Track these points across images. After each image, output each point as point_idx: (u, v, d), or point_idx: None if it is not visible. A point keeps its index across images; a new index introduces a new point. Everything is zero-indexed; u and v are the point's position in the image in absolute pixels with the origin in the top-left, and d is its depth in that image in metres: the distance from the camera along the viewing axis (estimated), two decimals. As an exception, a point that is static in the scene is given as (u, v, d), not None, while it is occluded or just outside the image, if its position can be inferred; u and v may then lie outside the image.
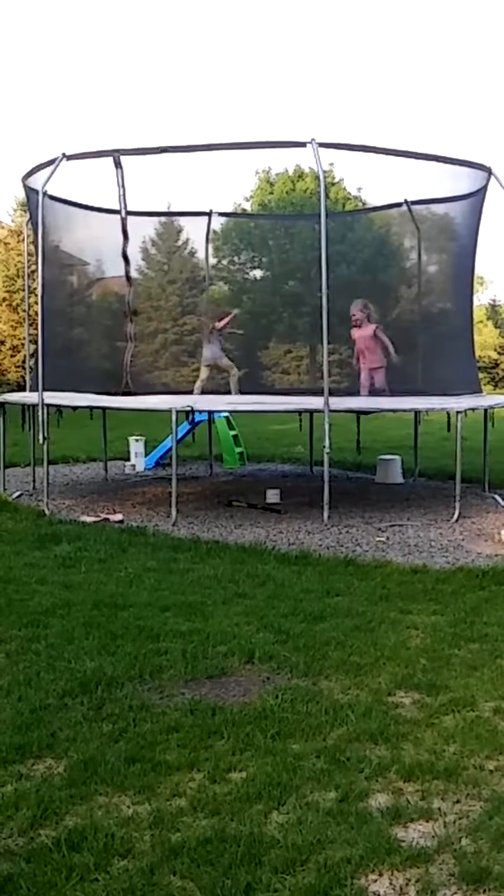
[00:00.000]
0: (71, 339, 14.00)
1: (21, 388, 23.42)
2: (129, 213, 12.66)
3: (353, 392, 12.85)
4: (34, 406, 10.65)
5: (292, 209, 34.09)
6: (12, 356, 32.18)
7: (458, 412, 9.85)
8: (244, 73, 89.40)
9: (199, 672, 4.95)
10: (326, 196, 9.72)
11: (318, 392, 10.45)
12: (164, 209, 17.42)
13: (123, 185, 12.39)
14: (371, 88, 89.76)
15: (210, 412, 13.59)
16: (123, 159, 11.43)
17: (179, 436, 12.01)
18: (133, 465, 14.31)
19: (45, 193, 10.35)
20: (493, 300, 57.62)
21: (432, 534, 9.04)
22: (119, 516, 9.74)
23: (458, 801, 3.58)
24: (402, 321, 15.08)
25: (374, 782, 3.72)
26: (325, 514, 9.49)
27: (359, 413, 12.03)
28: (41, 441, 10.14)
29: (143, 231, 16.09)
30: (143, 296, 15.89)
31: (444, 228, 14.08)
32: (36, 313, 10.96)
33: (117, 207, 12.80)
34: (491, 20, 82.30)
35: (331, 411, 9.64)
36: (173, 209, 17.42)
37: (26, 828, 3.37)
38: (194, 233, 16.01)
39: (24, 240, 17.20)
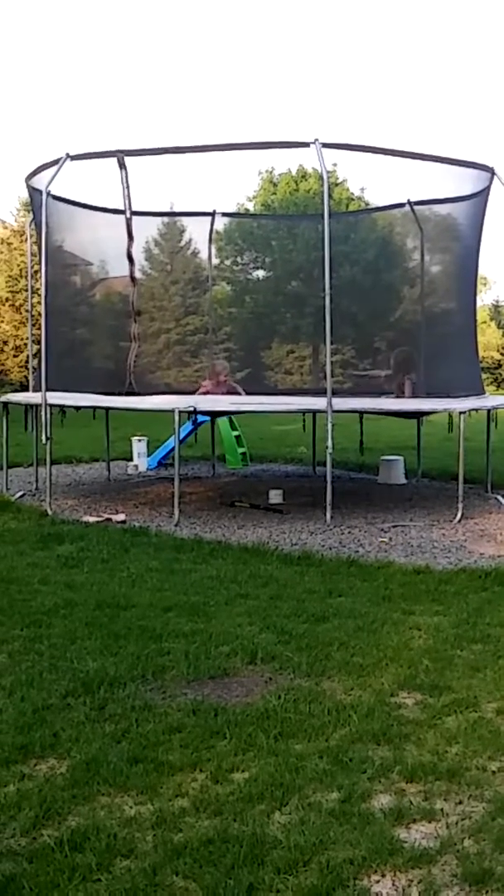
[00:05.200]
0: (74, 340, 14.00)
1: (24, 389, 23.38)
2: (133, 213, 12.65)
3: (356, 392, 12.85)
4: (37, 406, 10.65)
5: (295, 209, 34.08)
6: (15, 356, 32.20)
7: (460, 413, 9.84)
8: (248, 73, 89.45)
9: (201, 672, 4.95)
10: (330, 196, 9.71)
11: (320, 392, 10.44)
12: (168, 209, 17.43)
13: (128, 186, 12.38)
14: (374, 89, 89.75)
15: (212, 413, 13.58)
16: (127, 160, 11.44)
17: (182, 436, 12.01)
18: (136, 466, 14.31)
19: (48, 193, 10.36)
20: (497, 301, 57.60)
21: (435, 534, 9.03)
22: (122, 516, 9.74)
23: (460, 802, 3.58)
24: (404, 322, 15.06)
25: (376, 783, 3.72)
26: (328, 515, 9.49)
27: (365, 413, 12.04)
28: (44, 441, 10.14)
29: (147, 231, 16.08)
30: (146, 296, 15.86)
31: (448, 229, 14.06)
32: (39, 313, 10.98)
33: (120, 207, 12.80)
34: (494, 21, 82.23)
35: (333, 412, 9.64)
36: (177, 209, 17.43)
37: (29, 828, 3.37)
38: (197, 233, 15.98)
39: (27, 240, 17.20)
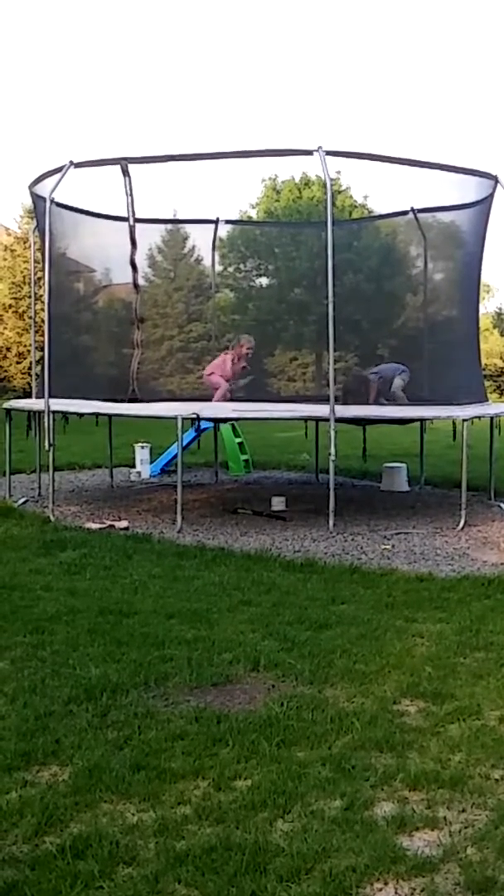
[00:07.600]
0: (77, 346, 14.02)
1: (27, 395, 23.43)
2: (136, 220, 12.69)
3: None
4: (40, 413, 10.66)
5: (298, 217, 34.13)
6: (18, 363, 32.27)
7: (464, 420, 9.84)
8: (251, 81, 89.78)
9: (204, 679, 4.94)
10: (333, 204, 9.73)
11: (323, 400, 10.44)
12: (171, 216, 17.44)
13: (131, 193, 12.43)
14: (378, 97, 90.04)
15: (215, 419, 13.59)
16: (131, 167, 11.47)
17: (185, 443, 12.01)
18: (138, 472, 14.31)
19: (52, 200, 10.39)
20: (500, 308, 57.48)
21: (438, 542, 9.03)
22: (124, 523, 9.75)
23: (463, 810, 3.57)
24: (408, 329, 15.08)
25: (379, 791, 3.71)
26: (331, 522, 9.48)
27: (366, 422, 12.02)
28: (47, 448, 10.15)
29: (150, 238, 16.11)
30: (150, 303, 15.89)
31: (451, 236, 14.08)
32: (42, 320, 10.98)
33: (124, 215, 12.83)
34: (497, 30, 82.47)
35: (336, 419, 9.64)
36: (180, 217, 17.44)
37: (31, 835, 3.37)
38: (200, 240, 16.00)
39: (30, 246, 17.24)
